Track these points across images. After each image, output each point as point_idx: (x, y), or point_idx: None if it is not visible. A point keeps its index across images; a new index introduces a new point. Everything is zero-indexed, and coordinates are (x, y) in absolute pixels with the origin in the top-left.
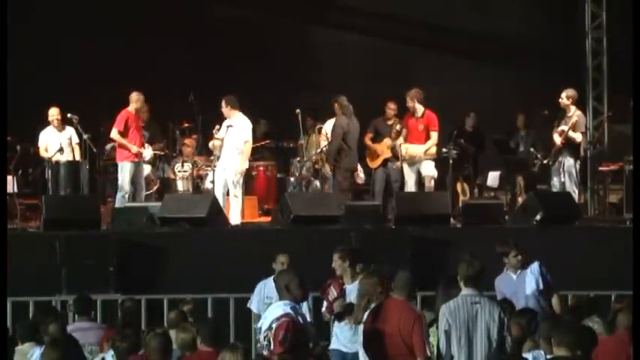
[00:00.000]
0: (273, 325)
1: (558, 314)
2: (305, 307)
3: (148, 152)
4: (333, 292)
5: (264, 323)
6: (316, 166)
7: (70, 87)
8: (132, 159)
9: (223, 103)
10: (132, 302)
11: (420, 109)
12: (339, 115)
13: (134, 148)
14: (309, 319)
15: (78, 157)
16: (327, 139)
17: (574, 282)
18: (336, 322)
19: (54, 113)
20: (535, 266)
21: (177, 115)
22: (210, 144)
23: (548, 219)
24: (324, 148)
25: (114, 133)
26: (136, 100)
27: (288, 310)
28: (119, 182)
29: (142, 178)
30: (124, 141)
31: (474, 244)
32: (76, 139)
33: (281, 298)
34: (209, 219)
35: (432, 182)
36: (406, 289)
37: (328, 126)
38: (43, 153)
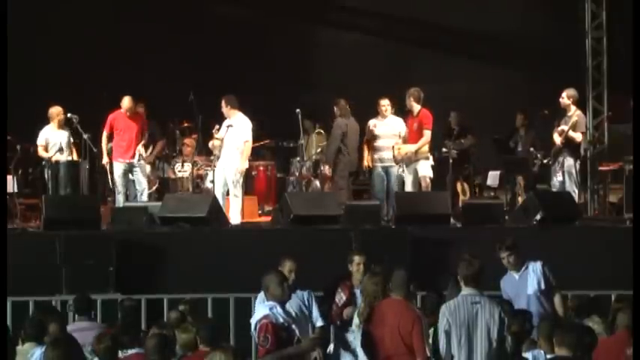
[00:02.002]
0: (257, 329)
1: (560, 314)
2: (315, 310)
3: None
4: (341, 297)
5: (252, 327)
6: (323, 170)
7: (69, 87)
8: (117, 159)
9: (223, 103)
10: (131, 301)
11: (416, 107)
12: (338, 117)
13: (104, 158)
14: (320, 321)
15: (75, 157)
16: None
17: (574, 282)
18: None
19: (59, 112)
20: (538, 266)
21: (177, 115)
22: (210, 144)
23: (548, 219)
24: (323, 149)
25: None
26: (122, 101)
27: (267, 311)
28: None
29: (138, 177)
30: (102, 145)
31: (474, 244)
32: (71, 139)
33: (266, 299)
34: (209, 219)
35: (429, 182)
36: (403, 288)
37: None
38: (41, 152)
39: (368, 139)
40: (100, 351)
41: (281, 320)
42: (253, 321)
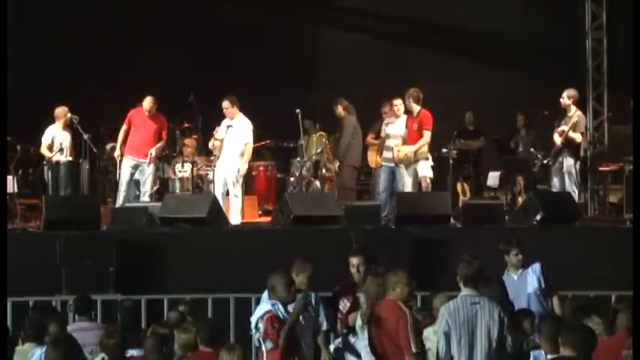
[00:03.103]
0: (260, 325)
1: (560, 315)
2: (322, 314)
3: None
4: (345, 304)
5: (253, 325)
6: (324, 170)
7: (70, 87)
8: (126, 156)
9: (228, 103)
10: (131, 301)
11: (415, 108)
12: (347, 115)
13: (116, 151)
14: (325, 326)
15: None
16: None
17: (574, 282)
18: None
19: (65, 112)
20: (537, 266)
21: (177, 115)
22: (210, 144)
23: (548, 219)
24: (323, 149)
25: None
26: (144, 100)
27: (269, 307)
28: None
29: (143, 179)
30: (119, 138)
31: (474, 244)
32: (71, 141)
33: (269, 298)
34: (209, 219)
35: (429, 183)
36: (390, 289)
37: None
38: (44, 150)
39: (382, 138)
40: (108, 346)
41: (281, 317)
42: (253, 319)
